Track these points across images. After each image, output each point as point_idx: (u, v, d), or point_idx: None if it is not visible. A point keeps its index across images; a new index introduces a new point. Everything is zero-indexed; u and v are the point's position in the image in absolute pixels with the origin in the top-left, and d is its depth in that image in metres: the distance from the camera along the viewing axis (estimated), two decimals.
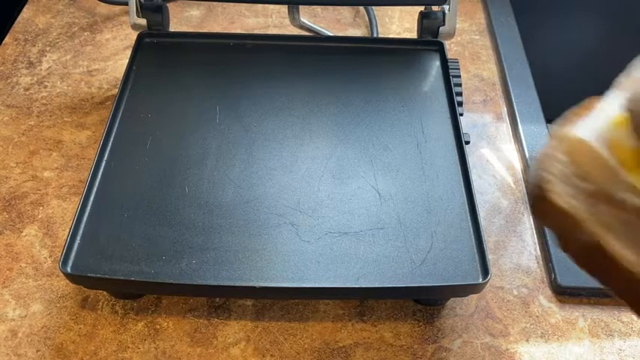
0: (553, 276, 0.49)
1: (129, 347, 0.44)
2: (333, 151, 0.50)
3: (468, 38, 0.72)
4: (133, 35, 0.59)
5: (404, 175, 0.48)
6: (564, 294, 0.48)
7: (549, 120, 0.63)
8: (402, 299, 0.47)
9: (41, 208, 0.52)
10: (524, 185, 0.56)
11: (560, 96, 0.75)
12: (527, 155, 0.58)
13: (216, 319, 0.45)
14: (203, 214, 0.45)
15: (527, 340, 0.46)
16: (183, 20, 0.71)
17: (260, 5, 0.74)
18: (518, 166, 0.58)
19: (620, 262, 0.20)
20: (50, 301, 0.46)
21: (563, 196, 0.22)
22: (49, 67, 0.65)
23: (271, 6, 0.74)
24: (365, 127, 0.52)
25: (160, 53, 0.58)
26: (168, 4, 0.64)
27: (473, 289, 0.43)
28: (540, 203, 0.23)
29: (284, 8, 0.70)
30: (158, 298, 0.46)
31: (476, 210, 0.45)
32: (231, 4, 0.73)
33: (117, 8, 0.72)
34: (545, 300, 0.48)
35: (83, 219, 0.44)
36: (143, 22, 0.59)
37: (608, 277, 0.21)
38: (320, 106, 0.53)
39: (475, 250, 0.44)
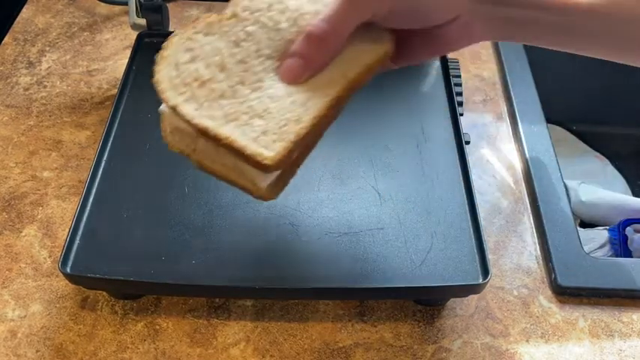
0: (553, 276, 0.49)
1: (128, 347, 0.44)
2: (333, 151, 0.49)
3: None
4: (133, 35, 0.59)
5: (404, 175, 0.48)
6: (564, 294, 0.48)
7: (549, 120, 0.62)
8: (402, 299, 0.47)
9: (41, 208, 0.52)
10: (524, 185, 0.56)
11: (560, 96, 0.75)
12: (527, 155, 0.58)
13: (215, 320, 0.45)
14: (203, 214, 0.45)
15: (527, 341, 0.46)
16: (183, 20, 0.71)
17: None
18: (518, 166, 0.58)
19: (213, 170, 0.37)
20: (50, 302, 0.46)
21: (174, 143, 0.37)
22: (49, 67, 0.65)
23: None
24: (365, 127, 0.52)
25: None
26: (168, 4, 0.64)
27: (473, 289, 0.43)
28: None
29: None
30: (158, 299, 0.46)
31: (476, 210, 0.45)
32: None
33: (117, 8, 0.72)
34: (545, 300, 0.48)
35: (83, 219, 0.44)
36: (143, 22, 0.59)
37: (225, 179, 0.37)
38: None
39: (475, 251, 0.44)
